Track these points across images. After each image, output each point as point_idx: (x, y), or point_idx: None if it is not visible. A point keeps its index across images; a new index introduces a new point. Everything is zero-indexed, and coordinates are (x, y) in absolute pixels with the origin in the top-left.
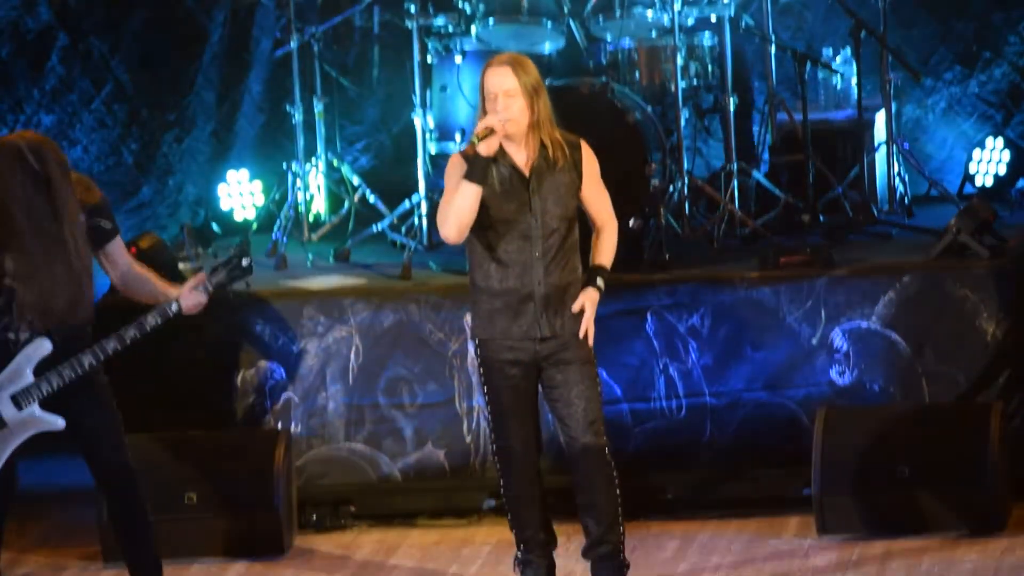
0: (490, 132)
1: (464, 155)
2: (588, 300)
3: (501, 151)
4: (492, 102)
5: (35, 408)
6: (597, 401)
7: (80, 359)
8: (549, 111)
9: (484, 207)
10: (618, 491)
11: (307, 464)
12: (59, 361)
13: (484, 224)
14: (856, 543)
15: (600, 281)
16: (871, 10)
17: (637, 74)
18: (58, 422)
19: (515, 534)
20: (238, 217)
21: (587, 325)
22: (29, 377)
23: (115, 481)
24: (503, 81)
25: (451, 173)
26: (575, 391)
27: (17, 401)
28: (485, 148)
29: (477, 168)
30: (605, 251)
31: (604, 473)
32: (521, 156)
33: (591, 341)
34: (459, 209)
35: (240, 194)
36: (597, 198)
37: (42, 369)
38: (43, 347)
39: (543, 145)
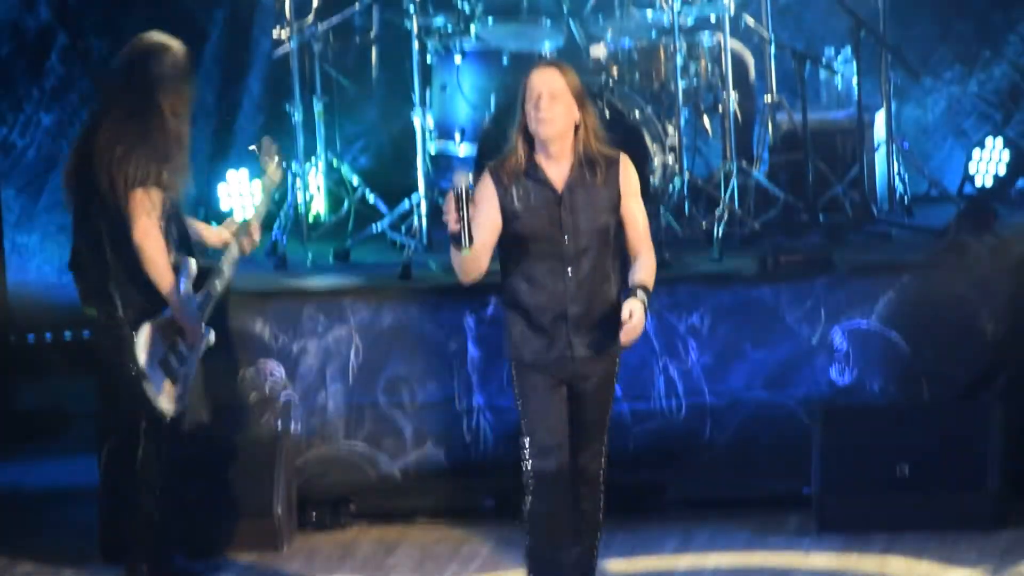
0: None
1: (494, 176)
2: (634, 311)
3: (534, 164)
4: (534, 101)
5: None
6: (606, 425)
7: (221, 269)
8: (596, 124)
9: (514, 223)
10: (601, 515)
11: (307, 464)
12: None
13: (514, 241)
14: (856, 542)
15: (643, 295)
16: (871, 10)
17: (637, 74)
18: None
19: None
20: (238, 217)
21: (635, 332)
22: (195, 296)
23: None
24: (551, 81)
25: (477, 194)
26: (590, 416)
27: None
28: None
29: (455, 236)
30: (646, 270)
31: (592, 498)
32: (555, 169)
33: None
34: (460, 266)
35: (240, 194)
36: (634, 218)
37: (196, 287)
38: (194, 265)
39: (583, 158)
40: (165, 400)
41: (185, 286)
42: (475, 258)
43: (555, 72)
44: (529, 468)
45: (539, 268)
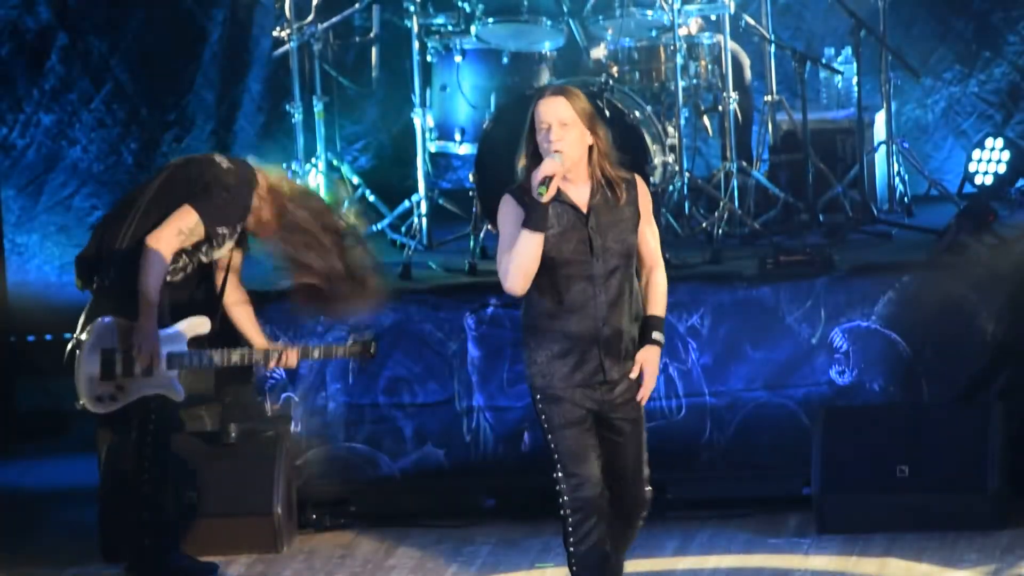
0: (550, 178)
1: (516, 197)
2: (647, 362)
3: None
4: (544, 132)
5: (175, 377)
6: (645, 453)
7: (229, 353)
8: (608, 145)
9: (543, 247)
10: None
11: (307, 464)
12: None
13: (542, 265)
14: (856, 543)
15: (658, 335)
16: (871, 10)
17: (637, 74)
18: (182, 393)
19: None
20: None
21: (647, 390)
22: (183, 344)
23: None
24: (558, 110)
25: (505, 217)
26: (632, 443)
27: (171, 360)
28: (547, 196)
29: (537, 215)
30: (659, 299)
31: (637, 524)
32: (577, 192)
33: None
34: (522, 260)
35: None
36: (650, 237)
37: (194, 344)
38: (204, 324)
39: (601, 180)
40: (84, 384)
41: (180, 329)
42: (540, 249)
43: (562, 100)
44: (566, 500)
45: (569, 291)
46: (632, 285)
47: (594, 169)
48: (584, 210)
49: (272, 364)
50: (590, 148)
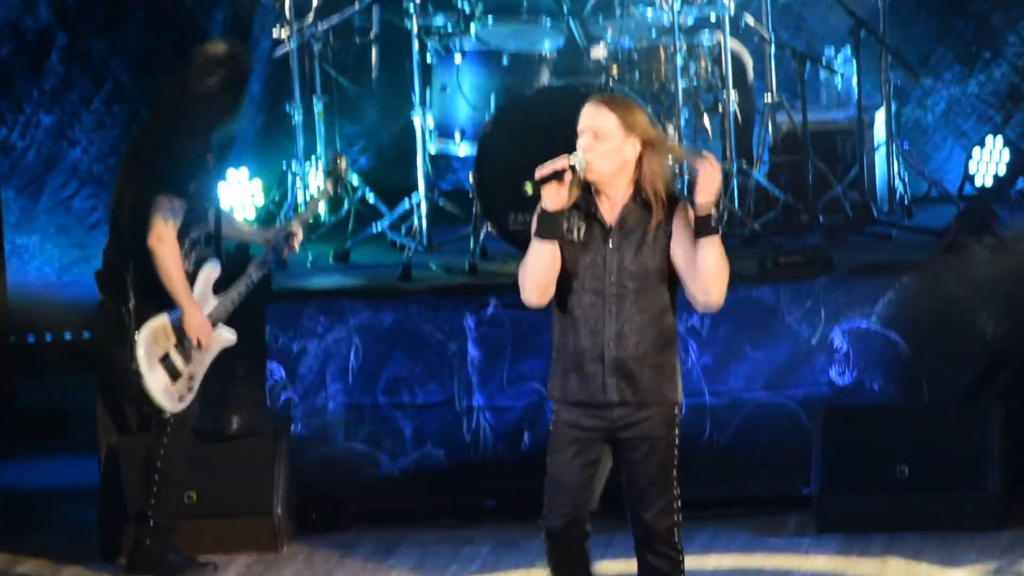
0: (552, 177)
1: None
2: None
3: (589, 197)
4: (580, 138)
5: (222, 327)
6: (668, 481)
7: (249, 273)
8: (660, 162)
9: (562, 254)
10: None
11: (307, 464)
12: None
13: (561, 277)
14: (856, 543)
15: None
16: (871, 10)
17: (637, 74)
18: (234, 335)
19: None
20: (238, 217)
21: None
22: (212, 298)
23: None
24: (596, 119)
25: (534, 225)
26: (643, 472)
27: (214, 320)
28: (550, 202)
29: (546, 223)
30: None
31: (667, 558)
32: (610, 205)
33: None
34: (533, 271)
35: (240, 193)
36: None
37: (217, 289)
38: (215, 268)
39: (637, 198)
40: (164, 397)
41: (201, 289)
42: (554, 260)
43: (604, 109)
44: (540, 522)
45: (581, 305)
46: (656, 309)
47: (636, 184)
48: (608, 225)
49: (287, 250)
50: (639, 160)
